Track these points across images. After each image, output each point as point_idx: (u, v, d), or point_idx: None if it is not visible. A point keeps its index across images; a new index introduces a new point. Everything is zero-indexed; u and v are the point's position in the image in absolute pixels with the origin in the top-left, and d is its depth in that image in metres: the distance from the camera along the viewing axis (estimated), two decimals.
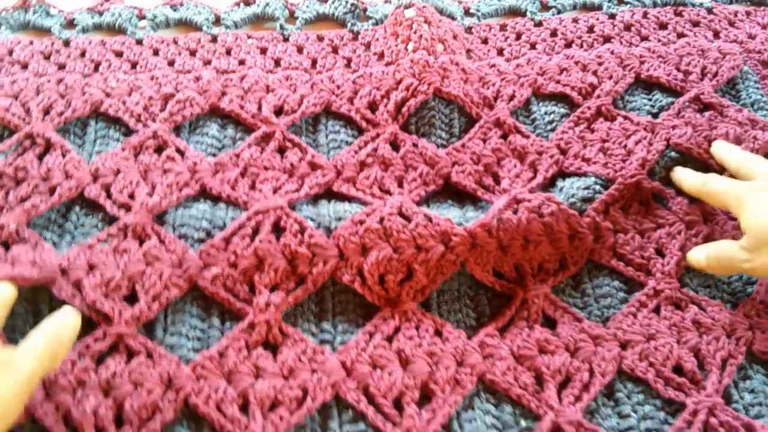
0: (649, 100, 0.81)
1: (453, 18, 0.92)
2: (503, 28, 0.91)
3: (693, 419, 0.56)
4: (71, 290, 0.61)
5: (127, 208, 0.67)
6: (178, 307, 0.62)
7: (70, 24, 0.88)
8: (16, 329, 0.60)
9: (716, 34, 0.90)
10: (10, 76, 0.79)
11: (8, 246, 0.64)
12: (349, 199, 0.70)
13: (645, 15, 0.92)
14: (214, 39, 0.87)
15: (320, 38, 0.88)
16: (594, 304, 0.65)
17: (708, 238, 0.69)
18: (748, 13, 0.92)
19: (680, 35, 0.90)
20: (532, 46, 0.89)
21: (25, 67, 0.82)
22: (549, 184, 0.73)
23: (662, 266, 0.66)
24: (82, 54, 0.84)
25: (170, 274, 0.62)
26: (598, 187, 0.70)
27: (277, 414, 0.55)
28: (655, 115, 0.79)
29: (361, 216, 0.65)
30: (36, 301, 0.61)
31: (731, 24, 0.91)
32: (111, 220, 0.68)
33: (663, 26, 0.91)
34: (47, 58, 0.83)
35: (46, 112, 0.75)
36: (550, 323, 0.63)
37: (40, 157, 0.71)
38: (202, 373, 0.57)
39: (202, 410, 0.55)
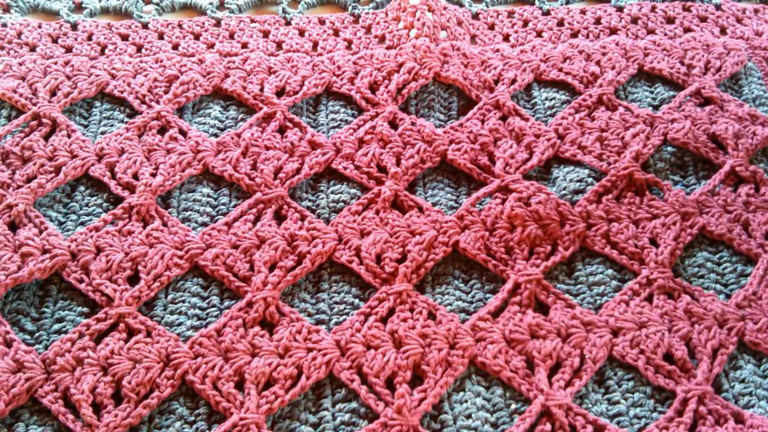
0: (651, 92, 0.81)
1: (461, 5, 0.92)
2: (511, 14, 0.91)
3: (683, 408, 0.57)
4: (79, 274, 0.63)
5: (131, 189, 0.69)
6: (179, 286, 0.64)
7: (78, 7, 0.90)
8: (21, 312, 0.62)
9: (723, 30, 0.89)
10: (18, 58, 0.80)
11: (15, 227, 0.66)
12: (348, 179, 0.72)
13: (653, 9, 0.91)
14: (218, 23, 0.88)
15: (322, 21, 0.89)
16: (587, 291, 0.66)
17: (704, 230, 0.69)
18: (756, 11, 0.91)
19: (687, 30, 0.89)
20: (538, 34, 0.89)
21: (33, 49, 0.83)
22: (544, 171, 0.74)
23: (656, 255, 0.66)
24: (89, 37, 0.85)
25: (171, 254, 0.64)
26: (590, 180, 0.72)
27: (271, 391, 0.57)
28: (656, 107, 0.79)
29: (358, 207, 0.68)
30: (45, 284, 0.63)
31: (738, 21, 0.90)
32: (116, 199, 0.69)
33: (670, 20, 0.90)
34: (55, 40, 0.84)
35: (53, 93, 0.76)
36: (543, 309, 0.64)
37: (47, 137, 0.73)
38: (199, 350, 0.59)
39: (198, 387, 0.57)
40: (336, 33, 0.87)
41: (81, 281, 0.63)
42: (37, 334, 0.61)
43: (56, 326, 0.61)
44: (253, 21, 0.88)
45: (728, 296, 0.65)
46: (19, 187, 0.68)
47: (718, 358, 0.60)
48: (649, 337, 0.61)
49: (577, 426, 0.56)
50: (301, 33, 0.87)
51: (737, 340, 0.61)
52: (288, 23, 0.89)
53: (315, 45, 0.86)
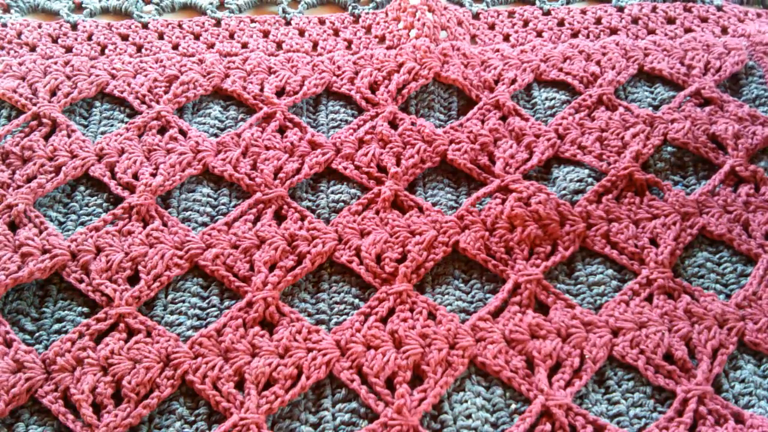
0: (651, 92, 0.81)
1: (461, 5, 0.92)
2: (511, 14, 0.91)
3: (683, 408, 0.57)
4: (79, 274, 0.63)
5: (131, 189, 0.69)
6: (179, 286, 0.64)
7: (78, 7, 0.90)
8: (21, 312, 0.62)
9: (724, 30, 0.89)
10: (18, 58, 0.80)
11: (15, 227, 0.66)
12: (348, 179, 0.72)
13: (654, 9, 0.91)
14: (218, 23, 0.88)
15: (321, 21, 0.89)
16: (587, 291, 0.66)
17: (704, 230, 0.69)
18: (758, 15, 0.91)
19: (688, 30, 0.88)
20: (539, 34, 0.89)
21: (33, 49, 0.83)
22: (544, 171, 0.74)
23: (656, 255, 0.66)
24: (89, 37, 0.85)
25: (171, 254, 0.64)
26: (590, 180, 0.72)
27: (271, 391, 0.57)
28: (656, 108, 0.79)
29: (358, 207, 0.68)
30: (45, 284, 0.63)
31: (740, 21, 0.90)
32: (116, 199, 0.69)
33: (671, 21, 0.90)
34: (55, 40, 0.84)
35: (53, 93, 0.76)
36: (543, 309, 0.64)
37: (47, 137, 0.73)
38: (199, 350, 0.59)
39: (198, 387, 0.57)
40: (336, 33, 0.87)
41: (81, 281, 0.63)
42: (37, 334, 0.61)
43: (56, 326, 0.61)
44: (253, 21, 0.88)
45: (728, 296, 0.65)
46: (19, 187, 0.68)
47: (718, 358, 0.60)
48: (649, 337, 0.61)
49: (577, 426, 0.56)
50: (301, 33, 0.87)
51: (737, 340, 0.61)
52: (288, 23, 0.89)
53: (315, 45, 0.86)
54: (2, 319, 0.60)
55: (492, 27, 0.90)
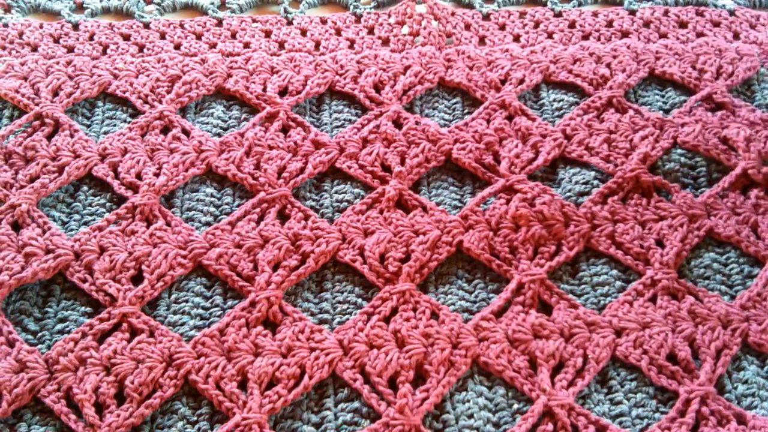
0: (662, 96, 0.81)
1: (471, 7, 0.92)
2: (522, 15, 0.91)
3: (686, 409, 0.57)
4: (83, 273, 0.63)
5: (135, 189, 0.69)
6: (182, 286, 0.64)
7: (80, 8, 0.90)
8: (24, 312, 0.62)
9: (736, 35, 0.88)
10: (20, 58, 0.80)
11: (18, 227, 0.66)
12: (351, 179, 0.72)
13: (666, 13, 0.90)
14: (219, 23, 0.88)
15: (323, 21, 0.89)
16: (591, 291, 0.66)
17: (711, 231, 0.69)
18: None
19: (699, 34, 0.88)
20: (549, 36, 0.88)
21: (35, 49, 0.83)
22: (550, 171, 0.74)
23: (661, 256, 0.66)
24: (91, 37, 0.85)
25: (175, 254, 0.64)
26: (596, 182, 0.71)
27: (274, 391, 0.57)
28: (667, 112, 0.78)
29: (362, 206, 0.68)
30: (48, 284, 0.63)
31: (752, 27, 0.89)
32: (119, 199, 0.69)
33: (683, 25, 0.89)
34: (57, 40, 0.84)
35: (55, 93, 0.76)
36: (546, 309, 0.64)
37: (49, 137, 0.73)
38: (202, 350, 0.59)
39: (201, 387, 0.57)
40: (338, 32, 0.87)
41: (84, 281, 0.63)
42: (40, 334, 0.61)
43: (59, 326, 0.61)
44: (254, 21, 0.88)
45: (733, 297, 0.65)
46: (22, 187, 0.68)
47: (722, 359, 0.60)
48: (653, 337, 0.61)
49: (579, 426, 0.56)
50: (303, 33, 0.87)
51: (741, 341, 0.61)
52: (290, 23, 0.89)
53: (317, 44, 0.86)
54: (5, 319, 0.60)
55: (503, 27, 0.89)
